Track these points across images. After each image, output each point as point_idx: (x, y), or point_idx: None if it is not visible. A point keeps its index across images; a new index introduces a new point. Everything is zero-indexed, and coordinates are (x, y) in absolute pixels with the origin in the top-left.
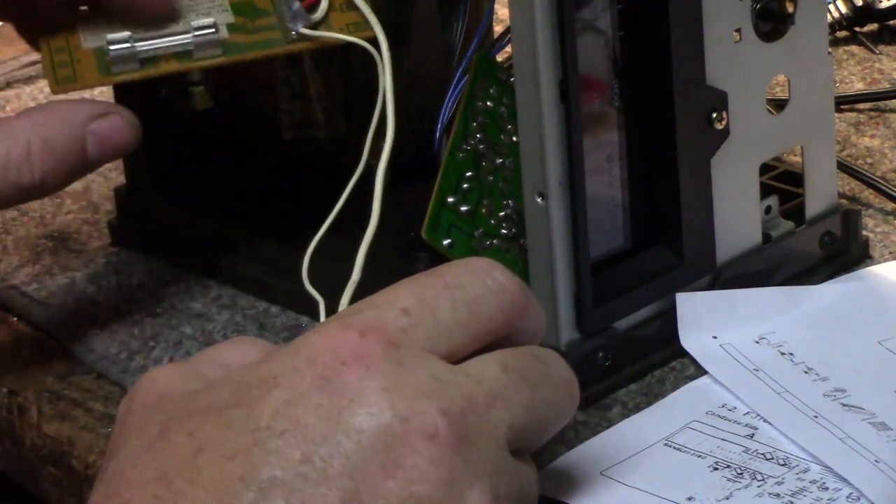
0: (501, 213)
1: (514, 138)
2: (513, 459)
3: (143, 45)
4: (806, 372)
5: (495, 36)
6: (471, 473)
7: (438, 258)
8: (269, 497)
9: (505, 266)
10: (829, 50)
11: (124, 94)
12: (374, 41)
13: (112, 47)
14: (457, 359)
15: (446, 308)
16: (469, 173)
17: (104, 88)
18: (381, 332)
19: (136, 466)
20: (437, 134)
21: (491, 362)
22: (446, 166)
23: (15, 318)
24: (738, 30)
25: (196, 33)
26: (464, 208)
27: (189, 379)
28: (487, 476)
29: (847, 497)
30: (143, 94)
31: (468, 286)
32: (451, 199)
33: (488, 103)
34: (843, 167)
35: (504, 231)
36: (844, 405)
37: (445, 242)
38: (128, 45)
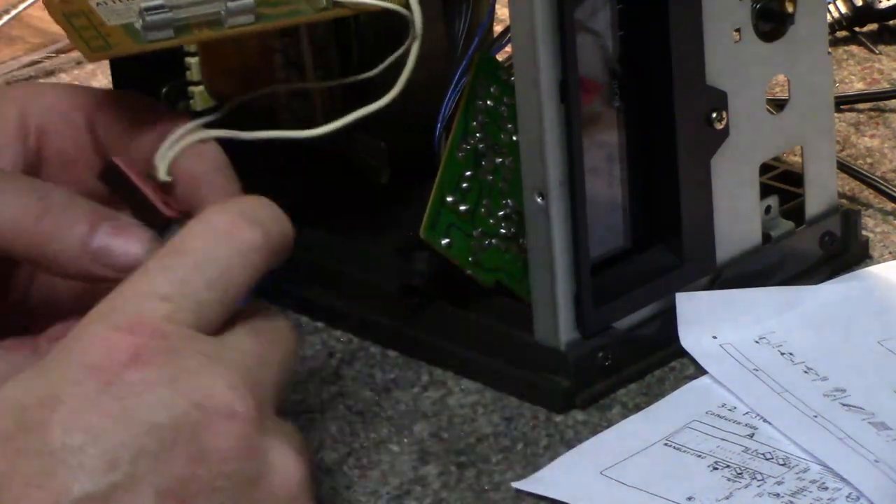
0: (501, 213)
1: (514, 138)
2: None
3: (176, 13)
4: (806, 372)
5: (495, 36)
6: (267, 438)
7: (437, 258)
8: None
9: (501, 265)
10: (829, 50)
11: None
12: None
13: (148, 15)
14: (216, 330)
15: (202, 287)
16: (468, 172)
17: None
18: (149, 325)
19: None
20: (437, 132)
21: (243, 333)
22: (446, 165)
23: None
24: (738, 30)
25: (228, 2)
26: (463, 208)
27: None
28: (279, 435)
29: (847, 497)
30: (144, 94)
31: (218, 258)
32: (450, 199)
33: (489, 102)
34: (843, 167)
35: (503, 231)
36: (844, 405)
37: (444, 242)
38: (163, 12)
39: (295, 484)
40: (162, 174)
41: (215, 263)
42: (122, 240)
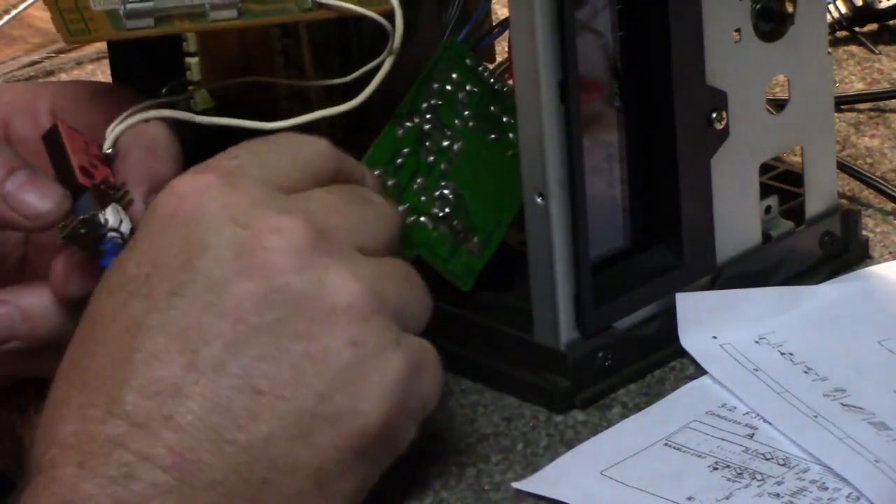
0: (436, 193)
1: (471, 124)
2: (365, 257)
3: (159, 3)
4: (806, 372)
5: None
6: (325, 258)
7: None
8: (153, 338)
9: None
10: (829, 50)
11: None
12: (388, 16)
13: (129, 3)
14: (293, 191)
15: (272, 152)
16: (406, 149)
17: None
18: (215, 169)
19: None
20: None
21: (318, 190)
22: (381, 139)
23: None
24: (738, 30)
25: None
26: (391, 182)
27: None
28: (345, 260)
29: (847, 497)
30: (143, 94)
31: (287, 141)
32: (377, 172)
33: (447, 87)
34: (843, 167)
35: (436, 210)
36: (844, 405)
37: None
38: (146, 1)
39: (347, 304)
40: (106, 146)
41: (286, 140)
42: (35, 189)
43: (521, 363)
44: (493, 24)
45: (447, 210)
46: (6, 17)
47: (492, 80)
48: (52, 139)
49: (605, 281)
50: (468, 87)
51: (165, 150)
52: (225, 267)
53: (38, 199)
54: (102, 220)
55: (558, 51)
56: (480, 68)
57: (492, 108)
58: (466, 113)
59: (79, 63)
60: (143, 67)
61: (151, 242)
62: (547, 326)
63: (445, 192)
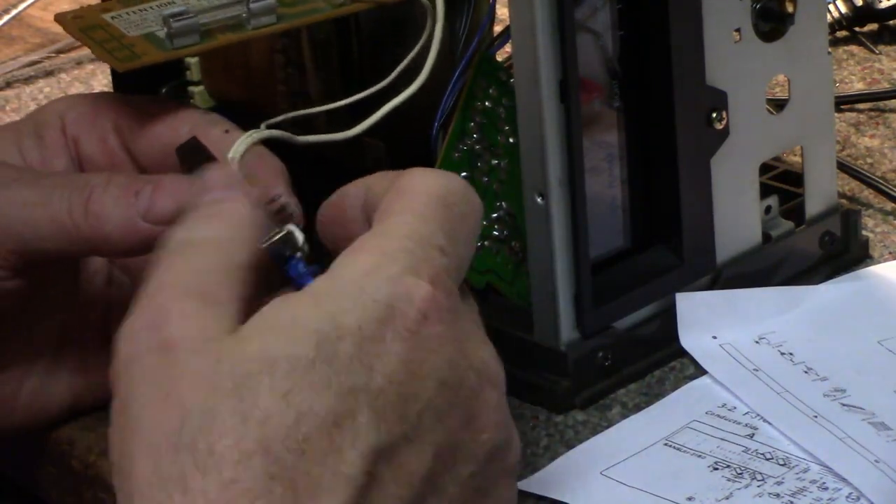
0: (494, 215)
1: (511, 139)
2: None
3: (201, 17)
4: (806, 372)
5: (494, 36)
6: (509, 413)
7: None
8: (379, 463)
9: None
10: (829, 50)
11: (124, 92)
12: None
13: (174, 21)
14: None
15: (465, 244)
16: (464, 173)
17: (103, 88)
18: (444, 280)
19: (226, 433)
20: (434, 132)
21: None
22: (442, 165)
23: None
24: (738, 30)
25: (251, 4)
26: None
27: (215, 316)
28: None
29: (847, 497)
30: (143, 94)
31: (468, 213)
32: None
33: (487, 103)
34: (843, 167)
35: (496, 233)
36: (844, 405)
37: None
38: (189, 18)
39: (518, 460)
40: (232, 157)
41: (467, 220)
42: (163, 192)
43: (521, 363)
44: (498, 29)
45: (505, 232)
46: (6, 17)
47: None
48: (191, 151)
49: (605, 281)
50: (504, 102)
51: (274, 167)
52: (453, 409)
53: (170, 196)
54: (298, 238)
55: (558, 51)
56: (512, 81)
57: None
58: (506, 128)
59: (79, 63)
60: (144, 68)
61: (385, 353)
62: (547, 326)
63: (500, 212)
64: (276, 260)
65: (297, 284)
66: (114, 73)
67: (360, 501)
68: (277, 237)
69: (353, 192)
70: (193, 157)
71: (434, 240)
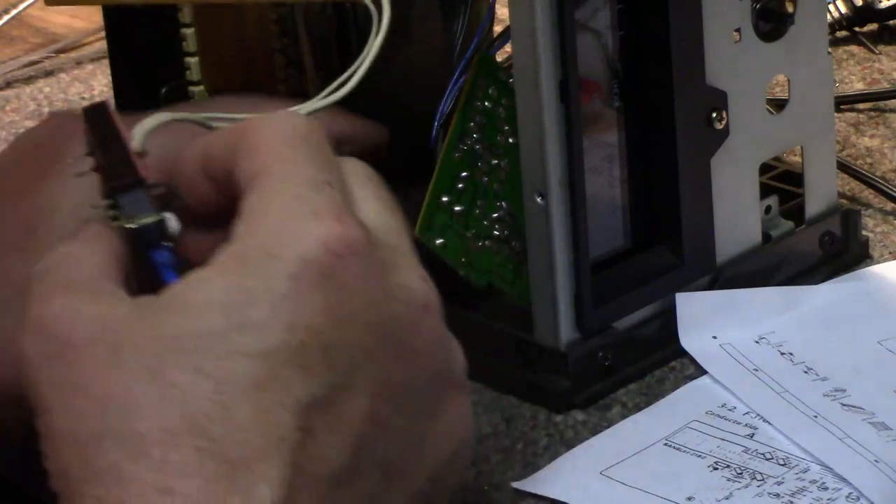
0: (494, 215)
1: (511, 140)
2: None
3: None
4: (806, 372)
5: (494, 36)
6: (447, 331)
7: (431, 257)
8: (313, 417)
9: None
10: (829, 50)
11: (124, 92)
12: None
13: None
14: None
15: (339, 167)
16: (464, 173)
17: (103, 88)
18: (350, 215)
19: (150, 418)
20: (434, 132)
21: (378, 212)
22: (442, 165)
23: None
24: (737, 30)
25: None
26: (458, 208)
27: (116, 298)
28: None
29: (847, 497)
30: (143, 94)
31: (322, 139)
32: (445, 199)
33: (487, 103)
34: (843, 167)
35: (496, 233)
36: (844, 405)
37: (438, 242)
38: None
39: (464, 369)
40: (135, 143)
41: (324, 145)
42: None
43: (521, 363)
44: (497, 30)
45: (506, 232)
46: (6, 17)
47: None
48: (97, 116)
49: (605, 281)
50: (504, 102)
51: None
52: (383, 346)
53: None
54: (172, 227)
55: (558, 51)
56: (511, 80)
57: None
58: (506, 128)
59: (78, 63)
60: (144, 68)
61: (303, 303)
62: (547, 326)
63: (500, 212)
64: (143, 247)
65: (160, 274)
66: (113, 72)
67: (299, 459)
68: (148, 220)
69: (189, 154)
70: (100, 125)
71: (320, 177)
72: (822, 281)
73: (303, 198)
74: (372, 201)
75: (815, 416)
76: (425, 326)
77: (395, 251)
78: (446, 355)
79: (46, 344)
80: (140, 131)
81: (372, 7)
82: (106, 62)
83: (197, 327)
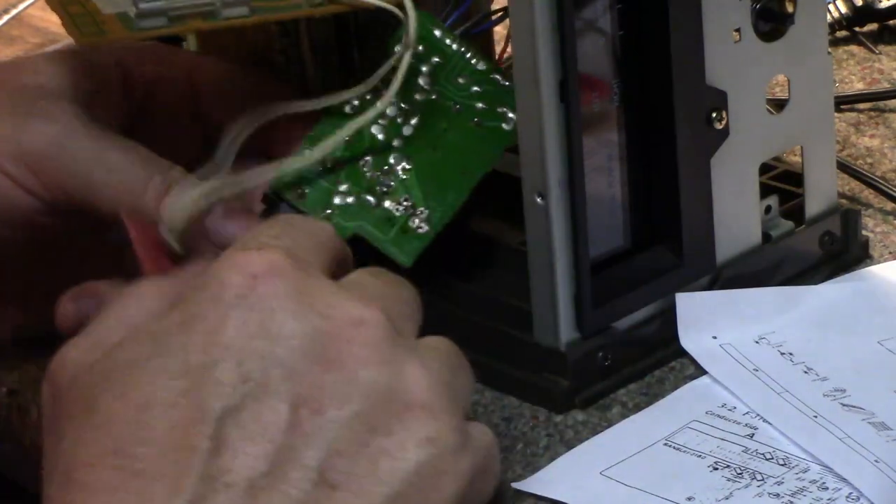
0: (384, 167)
1: (433, 97)
2: (427, 346)
3: (171, 2)
4: (806, 372)
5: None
6: (402, 352)
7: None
8: (225, 427)
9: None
10: (829, 50)
11: None
12: (399, 7)
13: (141, 2)
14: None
15: (303, 234)
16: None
17: None
18: (278, 248)
19: (85, 445)
20: None
21: (359, 272)
22: (325, 118)
23: None
24: (737, 30)
25: None
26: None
27: (98, 349)
28: (415, 352)
29: (847, 497)
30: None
31: (303, 222)
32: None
33: (414, 60)
34: (843, 167)
35: (380, 187)
36: (844, 405)
37: (298, 191)
38: (158, 1)
39: (424, 399)
40: (176, 247)
41: (300, 221)
42: (233, 223)
43: (521, 363)
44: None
45: (393, 185)
46: (6, 17)
47: (462, 50)
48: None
49: (605, 281)
50: (434, 60)
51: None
52: (305, 358)
53: (236, 227)
54: None
55: (558, 51)
56: (449, 40)
57: (460, 79)
58: (429, 85)
59: None
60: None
61: (218, 325)
62: (547, 326)
63: (398, 167)
64: None
65: None
66: None
67: (210, 468)
68: None
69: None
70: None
71: (265, 230)
72: (822, 281)
73: (241, 240)
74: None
75: (815, 416)
76: (358, 341)
77: (329, 281)
78: (395, 370)
79: (48, 386)
80: (177, 221)
81: (400, 13)
82: None
83: (123, 357)
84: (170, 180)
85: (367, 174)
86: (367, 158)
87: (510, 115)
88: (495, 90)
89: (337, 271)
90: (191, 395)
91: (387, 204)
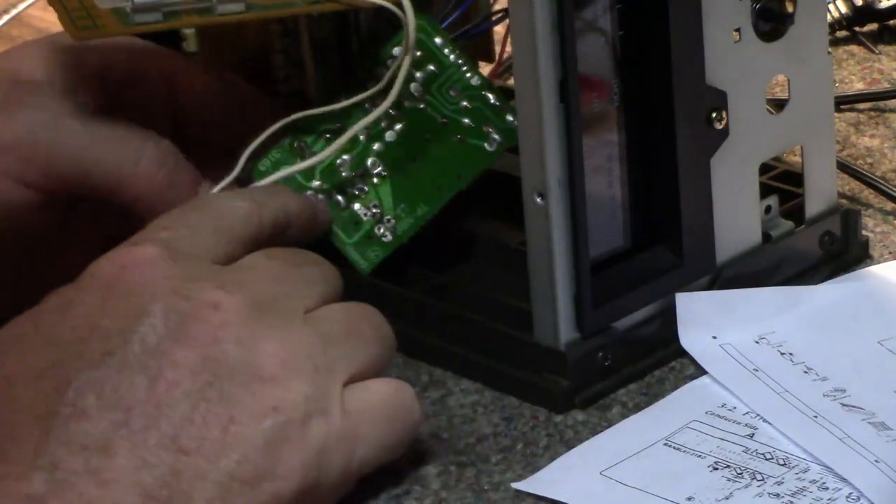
0: (359, 170)
1: (421, 105)
2: (306, 320)
3: None
4: (806, 372)
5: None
6: (261, 329)
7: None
8: (82, 395)
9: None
10: (829, 50)
11: None
12: (398, 6)
13: None
14: (225, 261)
15: (201, 223)
16: (336, 125)
17: None
18: (153, 241)
19: None
20: None
21: (259, 257)
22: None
23: None
24: (737, 30)
25: None
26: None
27: None
28: (280, 329)
29: (847, 497)
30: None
31: (209, 208)
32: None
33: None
34: (843, 167)
35: (352, 189)
36: (844, 405)
37: (262, 168)
38: None
39: (272, 371)
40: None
41: (207, 207)
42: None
43: (521, 363)
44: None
45: (366, 189)
46: (6, 17)
47: (460, 62)
48: None
49: (605, 281)
50: (429, 68)
51: None
52: (163, 335)
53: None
54: None
55: (558, 51)
56: (448, 50)
57: (452, 92)
58: (420, 94)
59: None
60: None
61: (89, 309)
62: (547, 326)
63: (373, 171)
64: None
65: None
66: None
67: (69, 432)
68: None
69: None
70: None
71: (158, 222)
72: (822, 281)
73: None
74: (207, 234)
75: (815, 416)
76: (213, 322)
77: (198, 266)
78: (244, 348)
79: None
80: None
81: (399, 12)
82: None
83: (7, 335)
84: (163, 148)
85: (342, 173)
86: (345, 157)
87: (495, 136)
88: (485, 108)
89: (242, 251)
90: (56, 366)
91: (356, 207)
